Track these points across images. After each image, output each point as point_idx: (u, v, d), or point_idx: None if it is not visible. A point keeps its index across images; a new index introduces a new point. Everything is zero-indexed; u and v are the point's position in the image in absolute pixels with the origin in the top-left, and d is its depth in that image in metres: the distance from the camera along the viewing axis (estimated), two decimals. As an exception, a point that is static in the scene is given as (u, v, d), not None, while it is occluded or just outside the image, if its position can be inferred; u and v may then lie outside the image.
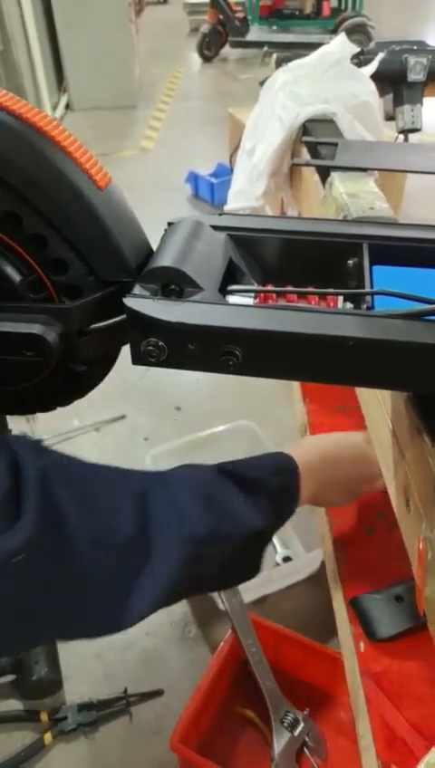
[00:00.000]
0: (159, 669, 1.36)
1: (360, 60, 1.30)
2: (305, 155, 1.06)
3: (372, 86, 1.17)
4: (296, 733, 1.11)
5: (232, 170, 1.40)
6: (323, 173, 0.93)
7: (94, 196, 0.46)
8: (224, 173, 3.40)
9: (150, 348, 0.45)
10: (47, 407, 0.59)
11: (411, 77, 1.32)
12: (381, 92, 1.30)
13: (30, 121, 0.44)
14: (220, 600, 1.16)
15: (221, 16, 6.73)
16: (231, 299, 0.49)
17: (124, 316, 0.46)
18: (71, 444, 1.95)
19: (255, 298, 0.50)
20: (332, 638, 1.31)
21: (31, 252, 0.47)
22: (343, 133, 1.08)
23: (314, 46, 1.26)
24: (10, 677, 1.32)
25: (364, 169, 0.89)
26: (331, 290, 0.49)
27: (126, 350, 0.48)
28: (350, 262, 0.52)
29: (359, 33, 5.89)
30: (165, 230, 0.52)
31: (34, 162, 0.44)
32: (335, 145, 0.98)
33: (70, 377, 0.54)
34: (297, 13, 7.31)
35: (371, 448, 0.75)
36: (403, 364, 0.42)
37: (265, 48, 6.57)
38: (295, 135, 1.12)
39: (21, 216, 0.45)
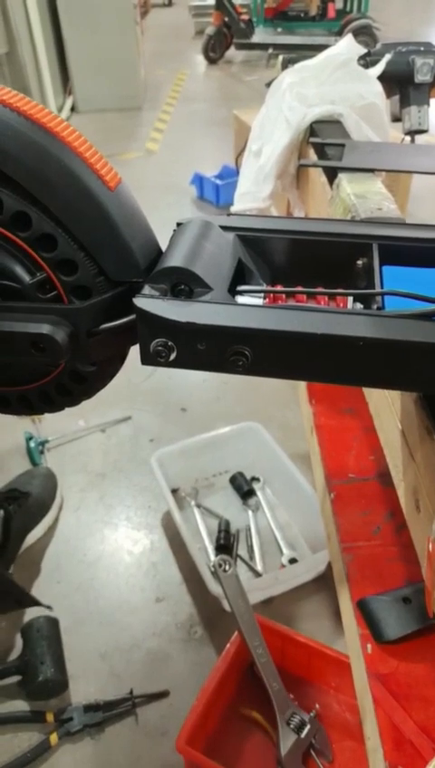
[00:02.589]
0: (165, 670, 1.36)
1: (366, 61, 1.30)
2: (312, 156, 1.06)
3: (378, 87, 1.17)
4: (303, 734, 1.10)
5: (238, 172, 1.40)
6: (331, 174, 0.93)
7: (104, 196, 0.46)
8: (229, 175, 3.40)
9: (160, 348, 0.45)
10: (55, 407, 0.59)
11: (418, 78, 1.31)
12: (388, 94, 1.30)
13: (39, 122, 0.45)
14: (226, 601, 1.15)
15: (226, 18, 6.74)
16: (240, 299, 0.49)
17: (134, 316, 0.46)
18: (76, 445, 1.95)
19: (264, 298, 0.50)
20: (338, 640, 1.31)
21: (41, 252, 0.47)
22: (350, 134, 1.08)
23: (319, 48, 1.26)
24: (16, 678, 1.32)
25: (372, 170, 0.88)
26: (340, 290, 0.49)
27: (132, 351, 0.48)
28: (359, 262, 0.52)
29: (364, 34, 5.90)
30: (174, 230, 0.52)
31: (44, 162, 0.44)
32: (342, 146, 0.98)
33: (78, 377, 0.54)
34: (302, 14, 7.32)
35: None
36: (414, 364, 0.42)
37: (270, 50, 6.60)
38: (302, 136, 1.12)
39: (30, 216, 0.45)
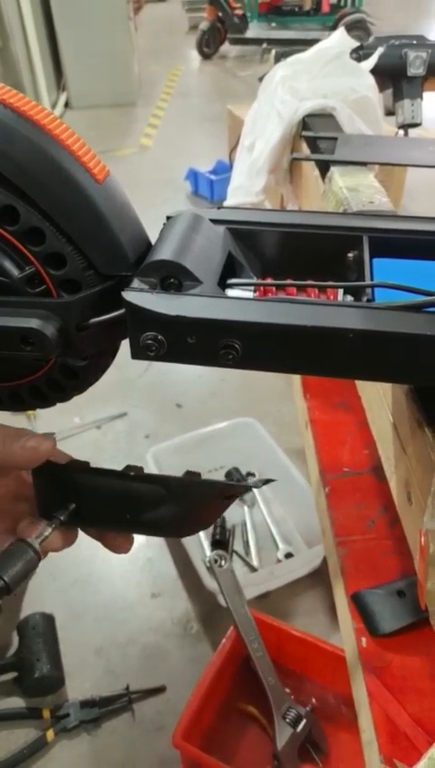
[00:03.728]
0: (161, 666, 1.36)
1: (359, 54, 1.29)
2: (305, 150, 1.06)
3: (371, 81, 1.16)
4: (299, 728, 1.11)
5: (232, 167, 1.39)
6: (323, 168, 0.93)
7: (92, 189, 0.45)
8: (223, 170, 3.39)
9: (150, 342, 0.45)
10: (46, 403, 0.58)
11: (411, 71, 1.31)
12: (381, 87, 1.30)
13: (26, 114, 0.44)
14: (222, 596, 1.16)
15: (220, 13, 6.72)
16: (230, 292, 0.49)
17: (123, 310, 0.45)
18: (72, 442, 1.95)
19: (254, 291, 0.49)
20: (334, 634, 1.32)
21: (29, 246, 0.46)
22: (343, 128, 1.07)
23: (313, 43, 1.25)
24: (12, 675, 1.32)
25: (364, 163, 0.88)
26: (331, 283, 0.48)
27: (127, 349, 0.48)
28: (350, 254, 0.52)
29: (358, 29, 5.88)
30: (164, 224, 0.52)
31: (31, 155, 0.44)
32: (335, 139, 0.97)
33: (69, 372, 0.54)
34: (296, 9, 7.29)
35: None
36: (404, 356, 0.42)
37: (265, 45, 6.57)
38: (295, 130, 1.12)
39: (18, 209, 0.45)
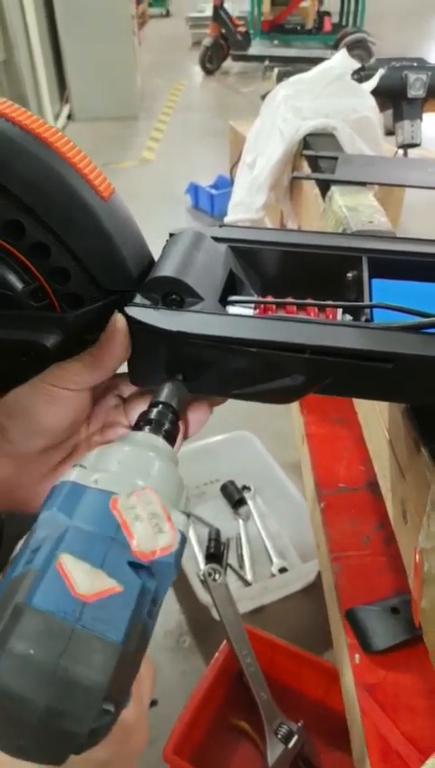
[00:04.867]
0: (154, 679, 1.35)
1: (360, 75, 1.31)
2: (306, 168, 1.07)
3: (372, 101, 1.18)
4: (290, 745, 1.10)
5: (232, 182, 1.41)
6: (323, 186, 0.94)
7: (97, 206, 0.46)
8: (224, 185, 3.42)
9: (151, 357, 0.46)
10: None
11: (411, 93, 1.33)
12: (382, 108, 1.32)
13: (33, 132, 0.45)
14: (215, 609, 1.15)
15: (223, 30, 6.80)
16: (231, 309, 0.50)
17: None
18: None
19: (254, 309, 0.50)
20: (327, 650, 1.31)
21: (33, 260, 0.47)
22: (344, 147, 1.09)
23: (315, 61, 1.27)
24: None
25: (364, 183, 0.89)
26: (330, 302, 0.49)
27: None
28: (349, 274, 0.52)
29: (359, 48, 5.96)
30: (167, 241, 0.53)
31: (37, 171, 0.44)
32: (335, 159, 0.99)
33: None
34: (299, 28, 7.38)
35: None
36: (401, 376, 0.43)
37: (267, 62, 6.64)
38: (296, 148, 1.13)
39: (24, 224, 0.46)
